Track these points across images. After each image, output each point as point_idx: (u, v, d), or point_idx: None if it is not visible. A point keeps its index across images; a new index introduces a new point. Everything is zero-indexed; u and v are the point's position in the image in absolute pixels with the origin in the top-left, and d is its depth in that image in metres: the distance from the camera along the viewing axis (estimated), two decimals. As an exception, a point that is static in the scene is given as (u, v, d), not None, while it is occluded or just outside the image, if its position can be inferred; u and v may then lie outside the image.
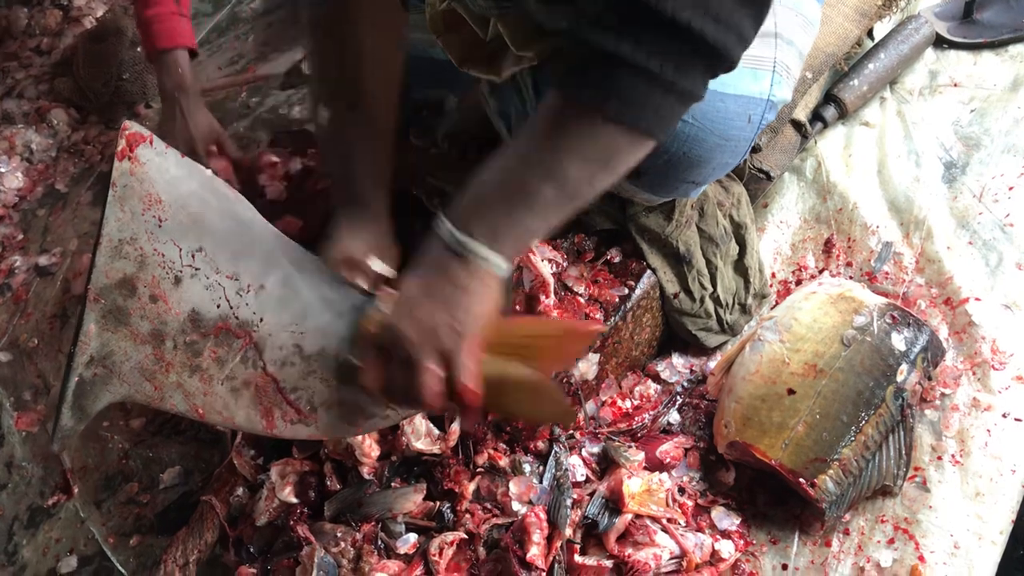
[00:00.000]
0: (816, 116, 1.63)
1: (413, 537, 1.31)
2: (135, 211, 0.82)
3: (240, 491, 1.46)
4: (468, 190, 0.96)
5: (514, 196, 0.93)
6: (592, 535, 1.29)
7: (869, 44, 1.72)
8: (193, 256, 0.87)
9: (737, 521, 1.30)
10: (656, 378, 1.45)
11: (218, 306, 0.90)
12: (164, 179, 0.84)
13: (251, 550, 1.42)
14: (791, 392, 1.28)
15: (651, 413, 1.40)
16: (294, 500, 1.39)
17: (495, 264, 0.94)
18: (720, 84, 1.12)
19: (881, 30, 1.74)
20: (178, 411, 0.92)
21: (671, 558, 1.25)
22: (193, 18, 1.96)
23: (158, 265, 0.85)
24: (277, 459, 1.43)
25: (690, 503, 1.32)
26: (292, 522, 1.37)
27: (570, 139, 0.90)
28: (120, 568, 1.49)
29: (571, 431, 1.37)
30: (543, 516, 1.26)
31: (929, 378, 1.32)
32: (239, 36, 2.29)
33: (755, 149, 1.46)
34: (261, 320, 0.94)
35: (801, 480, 1.25)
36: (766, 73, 1.20)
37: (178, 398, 0.91)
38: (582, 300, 1.35)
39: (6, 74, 2.30)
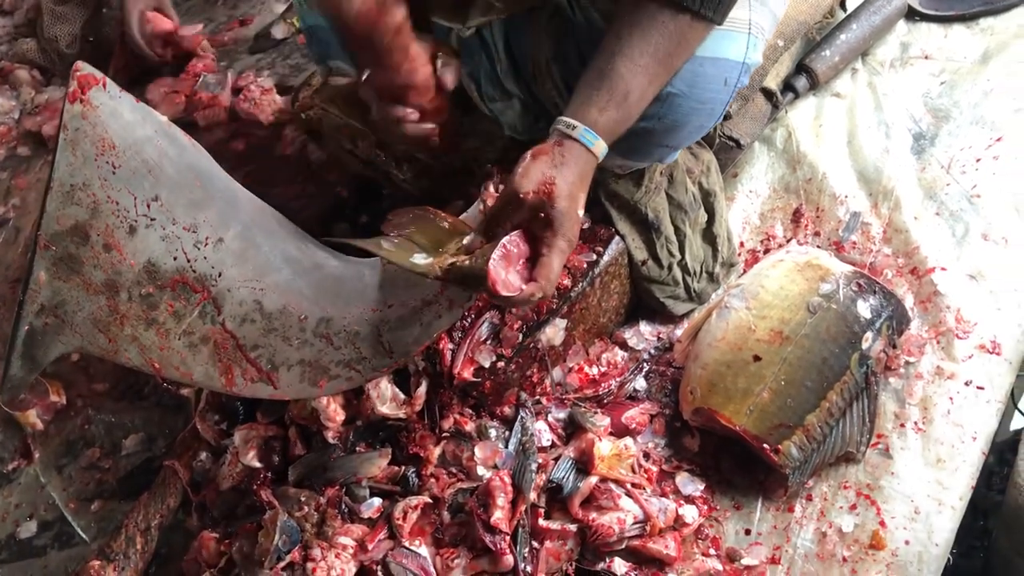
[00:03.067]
0: (787, 86, 1.63)
1: (377, 501, 1.31)
2: (87, 156, 0.80)
3: (203, 456, 1.45)
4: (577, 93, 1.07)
5: (613, 93, 1.05)
6: (557, 500, 1.28)
7: (842, 15, 1.71)
8: (148, 205, 0.85)
9: (701, 487, 1.31)
10: (623, 345, 1.45)
11: (175, 258, 0.88)
12: (118, 124, 0.82)
13: (214, 515, 1.41)
14: (757, 359, 1.28)
15: (617, 380, 1.40)
16: (258, 464, 1.37)
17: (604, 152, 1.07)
18: (699, 48, 1.12)
19: (854, 2, 1.73)
20: (133, 365, 0.90)
21: (635, 523, 1.25)
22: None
23: (112, 213, 0.83)
24: (241, 424, 1.41)
25: (655, 469, 1.32)
26: (255, 486, 1.36)
27: (650, 34, 1.03)
28: (81, 533, 1.48)
29: (537, 397, 1.37)
30: (508, 480, 1.26)
31: (894, 346, 1.32)
32: (208, 2, 2.26)
33: (726, 117, 1.44)
34: (220, 274, 0.93)
35: (765, 446, 1.25)
36: (742, 35, 1.19)
37: (133, 351, 0.89)
38: (550, 265, 1.34)
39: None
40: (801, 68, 1.64)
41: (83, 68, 0.80)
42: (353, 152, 1.65)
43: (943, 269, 1.40)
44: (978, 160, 1.50)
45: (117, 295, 0.85)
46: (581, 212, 1.06)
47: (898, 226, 1.47)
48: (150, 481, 1.46)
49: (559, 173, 1.03)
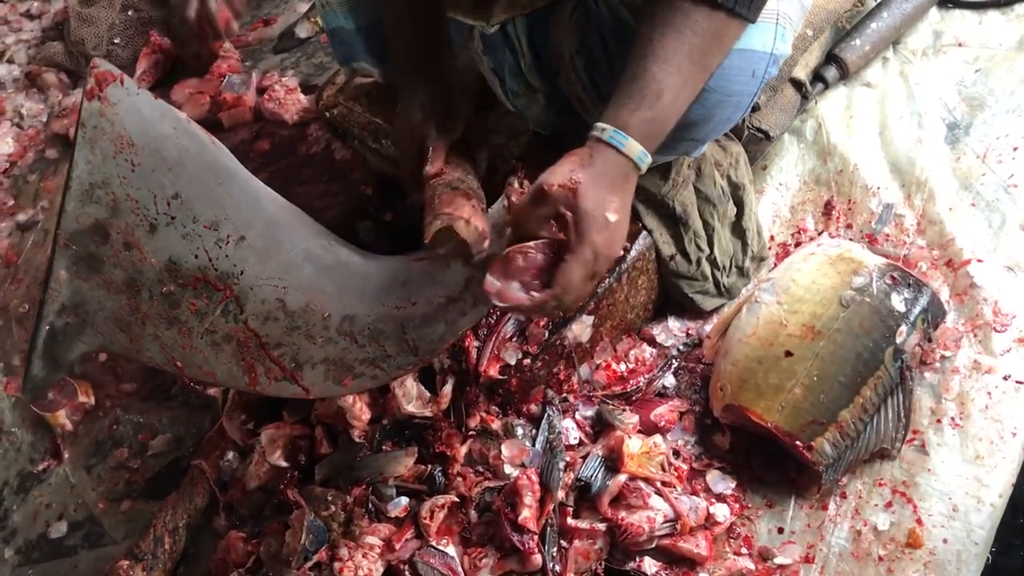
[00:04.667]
0: (817, 76, 1.60)
1: (404, 500, 1.30)
2: (106, 153, 0.79)
3: (230, 456, 1.45)
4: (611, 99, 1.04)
5: (645, 94, 1.01)
6: (585, 498, 1.27)
7: (872, 3, 1.68)
8: (168, 203, 0.84)
9: (732, 485, 1.29)
10: (652, 342, 1.43)
11: (196, 256, 0.88)
12: (136, 120, 0.81)
13: (242, 514, 1.41)
14: (788, 354, 1.26)
15: (646, 377, 1.38)
16: (284, 464, 1.37)
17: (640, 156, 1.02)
18: None
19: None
20: (155, 364, 0.89)
21: (665, 521, 1.23)
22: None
23: (132, 211, 0.82)
24: (268, 423, 1.41)
25: (685, 467, 1.30)
26: (282, 486, 1.35)
27: (683, 33, 1.00)
28: (110, 533, 1.48)
29: (565, 394, 1.35)
30: (535, 479, 1.24)
31: (929, 340, 1.30)
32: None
33: (754, 108, 1.43)
34: (242, 272, 0.92)
35: (798, 443, 1.23)
36: (770, 25, 1.16)
37: (155, 350, 0.88)
38: (576, 261, 1.32)
39: (-1, 38, 2.28)
40: (831, 58, 1.61)
41: (100, 65, 0.80)
42: (378, 150, 1.64)
43: (979, 261, 1.37)
44: (1015, 149, 1.47)
45: (138, 294, 0.85)
46: (613, 218, 1.00)
47: (932, 217, 1.44)
48: (178, 481, 1.46)
49: (586, 172, 0.99)
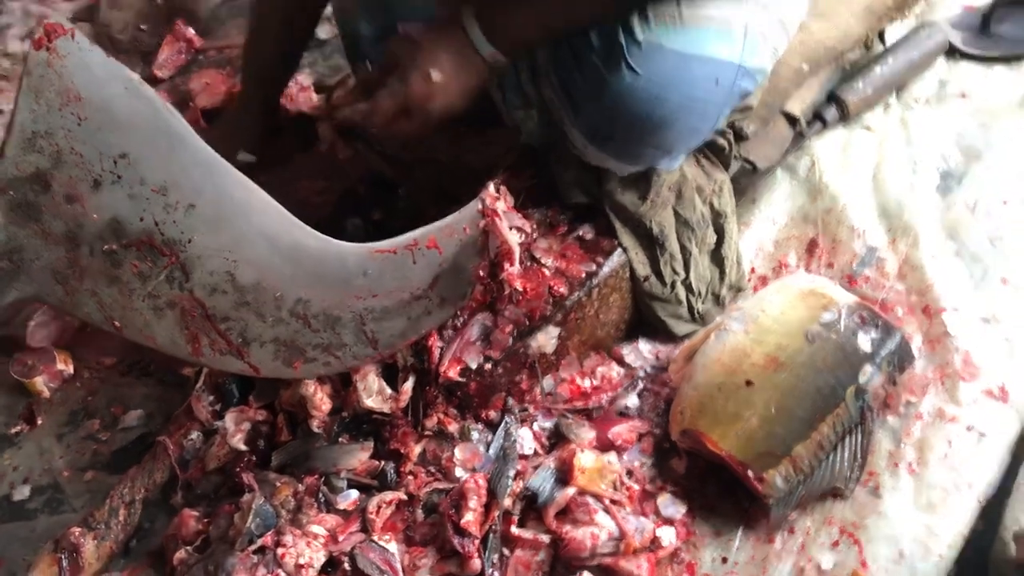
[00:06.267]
0: (816, 116, 1.60)
1: (354, 494, 1.30)
2: (51, 104, 0.81)
3: (195, 435, 1.46)
4: None
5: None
6: (532, 508, 1.26)
7: (879, 48, 1.68)
8: (115, 162, 0.86)
9: (683, 510, 1.28)
10: (620, 361, 1.43)
11: (142, 219, 0.89)
12: (85, 77, 0.83)
13: (198, 493, 1.41)
14: (749, 383, 1.25)
15: (609, 395, 1.38)
16: (243, 448, 1.38)
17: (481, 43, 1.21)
18: (683, 44, 1.14)
19: (893, 36, 1.69)
20: (92, 321, 0.91)
21: (609, 539, 1.22)
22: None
23: (76, 165, 0.84)
24: (234, 407, 1.42)
25: (637, 487, 1.29)
26: (238, 469, 1.36)
27: None
28: (70, 501, 1.49)
29: (525, 404, 1.35)
30: (483, 483, 1.24)
31: (894, 383, 1.28)
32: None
33: (742, 137, 1.43)
34: (190, 241, 0.93)
35: (750, 473, 1.22)
36: (735, 36, 1.18)
37: (92, 306, 0.90)
38: (547, 272, 1.33)
39: (29, 18, 2.33)
40: (832, 98, 1.61)
41: (52, 19, 0.82)
42: (379, 151, 1.66)
43: (955, 310, 1.36)
44: (1005, 203, 1.46)
45: (78, 248, 0.86)
46: (436, 76, 1.20)
47: (914, 263, 1.43)
48: (143, 456, 1.47)
49: (430, 36, 1.22)
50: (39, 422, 1.61)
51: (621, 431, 1.33)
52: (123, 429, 1.57)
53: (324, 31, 2.15)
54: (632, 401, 1.39)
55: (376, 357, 1.23)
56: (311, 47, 2.14)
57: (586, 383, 1.39)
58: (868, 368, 1.25)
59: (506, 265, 1.28)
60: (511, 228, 1.30)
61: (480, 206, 1.24)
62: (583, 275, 1.34)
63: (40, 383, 1.63)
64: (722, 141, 1.40)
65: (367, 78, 1.38)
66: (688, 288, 1.41)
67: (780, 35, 1.27)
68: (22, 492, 1.52)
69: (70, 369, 1.65)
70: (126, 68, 0.88)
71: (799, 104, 1.52)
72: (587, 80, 1.22)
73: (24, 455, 1.57)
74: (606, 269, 1.35)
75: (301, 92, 1.96)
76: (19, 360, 1.65)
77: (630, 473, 1.30)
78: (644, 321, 1.45)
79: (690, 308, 1.42)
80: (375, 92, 1.27)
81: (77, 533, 1.37)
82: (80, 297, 0.89)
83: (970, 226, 1.45)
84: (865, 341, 1.26)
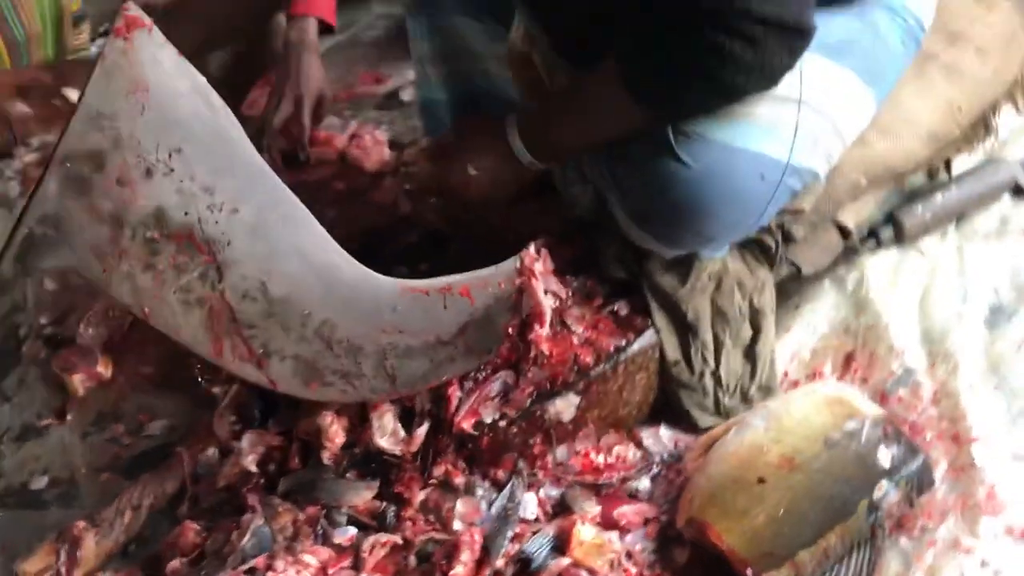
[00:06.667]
0: (871, 233, 1.60)
1: (352, 531, 1.31)
2: (119, 90, 0.86)
3: (212, 451, 1.48)
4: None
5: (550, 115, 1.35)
6: (523, 573, 1.25)
7: (944, 178, 1.68)
8: (170, 155, 0.91)
9: (677, 601, 1.25)
10: (638, 444, 1.42)
11: (186, 213, 0.94)
12: (157, 70, 0.88)
13: (203, 508, 1.43)
14: (761, 481, 1.23)
15: (622, 474, 1.37)
16: (254, 469, 1.40)
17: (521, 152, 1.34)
18: (730, 137, 1.16)
19: (960, 167, 1.70)
20: (124, 303, 0.94)
21: (597, 618, 1.20)
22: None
23: (132, 151, 0.89)
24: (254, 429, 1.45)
25: (635, 570, 1.27)
26: (245, 489, 1.38)
27: (600, 94, 1.25)
28: (83, 498, 1.52)
29: (535, 470, 1.35)
30: (479, 539, 1.24)
31: (911, 505, 1.25)
32: (352, 57, 2.41)
33: (790, 240, 1.43)
34: (229, 243, 0.97)
35: (749, 572, 1.19)
36: (784, 135, 1.20)
37: (126, 289, 0.94)
38: (576, 340, 1.34)
39: None
40: (889, 219, 1.61)
41: (132, 9, 0.88)
42: (437, 208, 1.71)
43: (986, 442, 1.32)
44: (1053, 343, 1.43)
45: (121, 229, 0.91)
46: (472, 172, 1.38)
47: (950, 390, 1.40)
48: (159, 465, 1.50)
49: (478, 136, 1.40)
50: (68, 418, 1.65)
51: (627, 512, 1.32)
52: (146, 436, 1.60)
53: (407, 94, 2.24)
54: (644, 484, 1.37)
55: (394, 394, 1.24)
56: (392, 106, 2.23)
57: (600, 459, 1.38)
58: (885, 484, 1.22)
59: (536, 326, 1.29)
60: (546, 291, 1.32)
61: (518, 264, 1.26)
62: (612, 349, 1.34)
63: (77, 381, 1.68)
64: (770, 240, 1.41)
65: (433, 145, 1.55)
66: (717, 380, 1.40)
67: (835, 141, 1.29)
68: (39, 482, 1.56)
69: (108, 373, 1.70)
70: (195, 70, 0.94)
71: (853, 216, 1.53)
72: (633, 164, 1.26)
73: (48, 448, 1.62)
74: (635, 347, 1.35)
75: (375, 145, 2.04)
76: (64, 356, 1.71)
77: (629, 555, 1.28)
78: (668, 407, 1.44)
79: (716, 401, 1.41)
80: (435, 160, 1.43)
81: (80, 527, 1.39)
82: (115, 277, 0.93)
83: (1014, 363, 1.42)
84: (886, 456, 1.23)
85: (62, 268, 0.92)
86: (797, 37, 1.11)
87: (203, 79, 0.96)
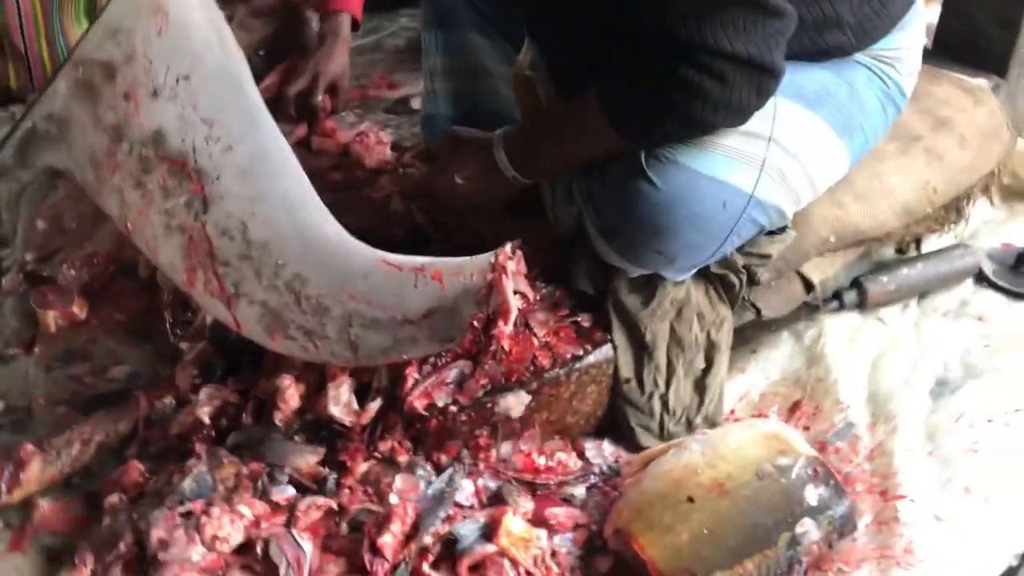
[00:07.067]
0: (836, 295, 1.66)
1: (291, 491, 1.34)
2: (141, 9, 0.92)
3: (168, 400, 1.52)
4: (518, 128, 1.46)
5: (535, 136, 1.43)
6: (449, 555, 1.28)
7: (914, 256, 1.75)
8: (178, 81, 0.96)
9: (593, 605, 1.28)
10: (581, 454, 1.46)
11: (183, 140, 0.99)
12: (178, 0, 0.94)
13: (151, 451, 1.46)
14: (690, 500, 1.27)
15: (560, 479, 1.40)
16: (207, 420, 1.43)
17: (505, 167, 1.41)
18: (698, 164, 1.24)
19: (930, 247, 1.77)
20: (111, 214, 0.99)
21: (512, 606, 1.23)
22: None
23: (143, 70, 0.94)
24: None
25: (557, 570, 1.30)
26: (196, 438, 1.41)
27: (584, 118, 1.33)
28: (36, 428, 1.55)
29: (477, 461, 1.38)
30: (411, 514, 1.27)
31: (830, 547, 1.29)
32: (372, 61, 2.49)
33: (754, 282, 1.49)
34: (218, 178, 1.02)
35: (665, 586, 1.23)
36: (751, 168, 1.27)
37: (114, 201, 0.98)
38: (536, 342, 1.39)
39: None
40: (855, 284, 1.67)
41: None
42: (429, 212, 1.76)
43: (912, 501, 1.37)
44: (990, 421, 1.48)
45: (119, 143, 0.95)
46: (459, 180, 1.45)
47: (887, 449, 1.45)
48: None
49: (466, 147, 1.49)
50: (35, 351, 1.68)
51: (559, 514, 1.35)
52: (108, 379, 1.63)
53: (417, 102, 2.31)
54: (579, 492, 1.41)
55: (353, 363, 1.28)
56: (400, 112, 2.30)
57: (541, 460, 1.41)
58: (808, 522, 1.26)
59: (500, 323, 1.33)
60: (515, 291, 1.37)
61: (492, 259, 1.31)
62: (568, 356, 1.39)
63: (51, 317, 1.71)
64: (734, 279, 1.47)
65: (427, 151, 1.68)
66: (664, 404, 1.45)
67: (804, 184, 1.36)
68: (-5, 407, 1.59)
69: (82, 315, 1.74)
70: (217, 9, 0.99)
71: (818, 272, 1.59)
72: (605, 182, 1.34)
73: (9, 375, 1.64)
74: (591, 358, 1.40)
75: (378, 144, 2.10)
76: (42, 291, 1.75)
77: (554, 555, 1.31)
78: (614, 425, 1.48)
79: (661, 424, 1.46)
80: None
81: (28, 451, 1.41)
82: (107, 188, 0.98)
83: (951, 433, 1.47)
84: (812, 495, 1.27)
85: (57, 167, 0.96)
86: (766, 77, 1.18)
87: (223, 19, 1.01)
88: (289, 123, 2.06)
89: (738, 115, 1.22)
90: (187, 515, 1.29)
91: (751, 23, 1.13)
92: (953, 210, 1.73)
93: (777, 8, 1.16)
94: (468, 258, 1.31)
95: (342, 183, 2.03)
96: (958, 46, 1.89)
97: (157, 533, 1.27)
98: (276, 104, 2.04)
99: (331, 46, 2.10)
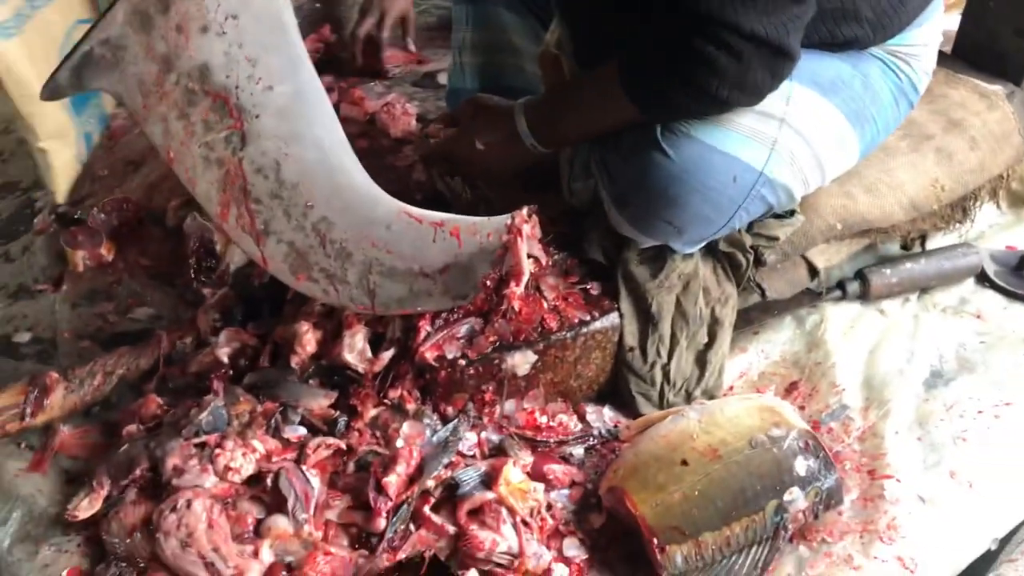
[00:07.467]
0: (839, 285, 1.71)
1: (302, 430, 1.40)
2: (195, -51, 0.97)
3: (188, 340, 1.58)
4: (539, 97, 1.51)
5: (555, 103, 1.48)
6: (450, 500, 1.33)
7: (917, 249, 1.79)
8: (227, 19, 1.01)
9: (584, 557, 1.33)
10: (582, 417, 1.51)
11: (227, 76, 1.04)
12: (231, -62, 0.99)
13: (170, 387, 1.52)
14: (684, 463, 1.32)
15: (560, 438, 1.46)
16: (225, 360, 1.49)
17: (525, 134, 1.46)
18: (712, 139, 1.29)
19: (934, 245, 1.81)
20: (154, 142, 1.04)
21: (507, 552, 1.28)
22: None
23: (195, 4, 0.99)
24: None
25: (551, 523, 1.35)
26: (214, 375, 1.47)
27: (604, 90, 1.37)
28: (60, 359, 1.61)
29: (481, 415, 1.44)
30: (416, 457, 1.33)
31: (816, 516, 1.34)
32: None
33: (761, 262, 1.54)
34: (257, 117, 1.08)
35: (655, 540, 1.28)
36: (762, 147, 1.32)
37: (158, 130, 1.04)
38: (546, 306, 1.44)
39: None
40: (858, 275, 1.72)
41: None
42: (447, 183, 1.81)
43: (898, 481, 1.41)
44: (980, 413, 1.52)
45: (168, 73, 1.01)
46: (480, 146, 1.51)
47: (877, 432, 1.49)
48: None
49: (488, 111, 1.54)
50: (63, 288, 1.75)
51: (557, 470, 1.40)
52: (131, 319, 1.71)
53: (444, 77, 2.36)
54: (578, 452, 1.46)
55: (369, 310, 1.34)
56: (427, 86, 2.36)
57: (543, 419, 1.47)
58: (796, 491, 1.31)
59: (512, 284, 1.39)
60: (529, 254, 1.42)
61: (509, 221, 1.36)
62: (576, 320, 1.44)
63: (79, 257, 1.78)
64: (741, 258, 1.52)
65: (451, 115, 1.77)
66: (666, 375, 1.50)
67: (814, 170, 1.40)
68: (22, 337, 1.66)
69: (110, 257, 1.81)
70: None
71: (823, 259, 1.63)
72: (621, 151, 1.38)
73: (37, 309, 1.72)
74: (597, 324, 1.45)
75: (404, 115, 2.16)
76: (72, 232, 1.82)
77: (550, 507, 1.37)
78: (616, 393, 1.53)
79: (661, 394, 1.50)
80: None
81: (53, 378, 1.48)
82: (152, 116, 1.03)
83: (941, 421, 1.51)
84: (802, 466, 1.32)
85: (108, 91, 1.02)
86: (781, 59, 1.22)
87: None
88: (353, 64, 2.31)
89: (752, 94, 1.26)
90: (202, 446, 1.35)
91: (772, 5, 1.17)
92: (959, 209, 1.76)
93: None
94: (485, 218, 1.37)
95: (367, 150, 2.09)
96: (976, 53, 1.93)
97: (172, 460, 1.33)
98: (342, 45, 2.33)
99: None
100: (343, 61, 2.35)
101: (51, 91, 1.00)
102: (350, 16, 2.39)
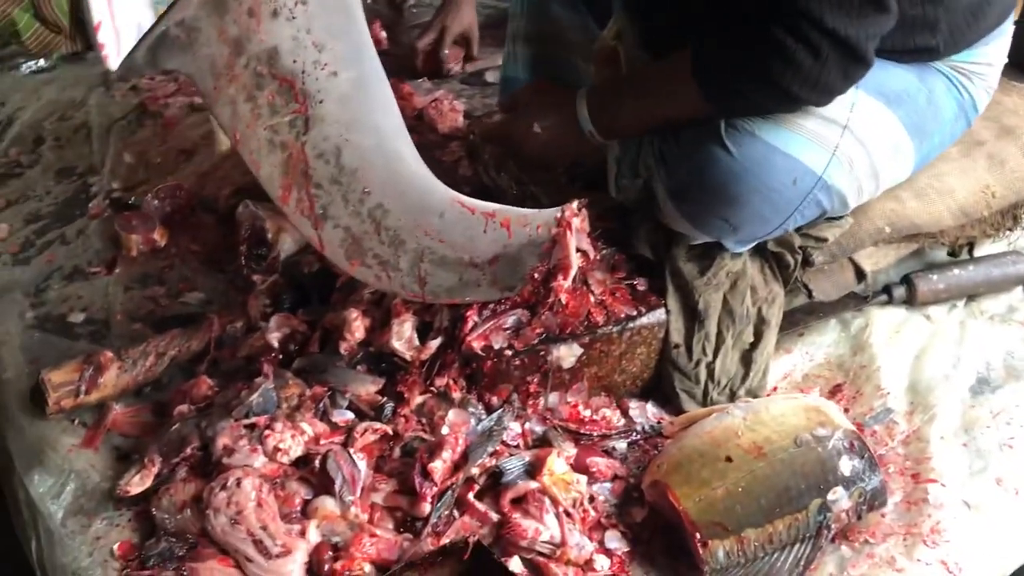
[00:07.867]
0: (885, 289, 1.70)
1: (350, 415, 1.42)
2: (267, -65, 0.99)
3: (239, 324, 1.61)
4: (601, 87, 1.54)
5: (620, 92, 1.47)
6: (494, 488, 1.34)
7: (964, 256, 1.78)
8: (296, 4, 1.03)
9: (625, 549, 1.34)
10: (625, 412, 1.52)
11: (294, 61, 1.06)
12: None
13: (221, 370, 1.55)
14: (728, 459, 1.32)
15: (603, 432, 1.47)
16: (275, 345, 1.52)
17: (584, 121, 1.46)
18: (774, 139, 1.29)
19: (983, 252, 1.80)
20: (221, 123, 1.07)
21: (550, 541, 1.29)
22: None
23: (267, -11, 1.02)
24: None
25: (594, 515, 1.36)
26: (263, 359, 1.50)
27: (670, 77, 1.38)
28: (112, 340, 1.64)
29: (526, 406, 1.45)
30: (462, 444, 1.34)
31: (859, 517, 1.33)
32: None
33: (808, 263, 1.54)
34: (321, 102, 1.10)
35: (697, 535, 1.28)
36: (823, 151, 1.32)
37: (227, 112, 1.06)
38: (592, 300, 1.45)
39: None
40: (905, 280, 1.71)
41: None
42: (493, 178, 1.83)
43: (943, 486, 1.41)
44: (1028, 420, 1.52)
45: (238, 56, 1.03)
46: (538, 130, 1.49)
47: (922, 437, 1.49)
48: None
49: (546, 95, 1.55)
50: (117, 271, 1.79)
51: (600, 463, 1.41)
52: (182, 302, 1.73)
53: (492, 75, 2.38)
54: (620, 446, 1.47)
55: (419, 298, 1.36)
56: (474, 83, 2.38)
57: (587, 413, 1.48)
58: (840, 491, 1.31)
59: (560, 277, 1.40)
60: (577, 248, 1.43)
61: (559, 214, 1.37)
62: (622, 315, 1.45)
63: (133, 241, 1.82)
64: (790, 258, 1.52)
65: (510, 99, 1.68)
66: (710, 373, 1.50)
67: (869, 176, 1.40)
68: (77, 317, 1.70)
69: (163, 242, 1.84)
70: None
71: (870, 262, 1.63)
72: (681, 144, 1.38)
73: (92, 291, 1.75)
74: (644, 320, 1.46)
75: (451, 111, 2.18)
76: (127, 216, 1.86)
77: (592, 500, 1.38)
78: (659, 390, 1.54)
79: (705, 392, 1.51)
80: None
81: (108, 357, 1.51)
82: (222, 97, 1.06)
83: (987, 427, 1.51)
84: (847, 466, 1.32)
85: (182, 71, 1.04)
86: (856, 63, 1.22)
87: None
88: (414, 77, 2.33)
89: (822, 93, 1.26)
90: (251, 427, 1.38)
91: (858, 12, 1.17)
92: (1009, 216, 1.75)
93: (885, 4, 1.20)
94: (536, 210, 1.38)
95: (415, 146, 2.11)
96: (1031, 61, 1.92)
97: (223, 440, 1.36)
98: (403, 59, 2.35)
99: (457, 2, 2.34)
100: (394, 57, 2.37)
101: (127, 69, 1.02)
102: (404, 15, 2.43)
